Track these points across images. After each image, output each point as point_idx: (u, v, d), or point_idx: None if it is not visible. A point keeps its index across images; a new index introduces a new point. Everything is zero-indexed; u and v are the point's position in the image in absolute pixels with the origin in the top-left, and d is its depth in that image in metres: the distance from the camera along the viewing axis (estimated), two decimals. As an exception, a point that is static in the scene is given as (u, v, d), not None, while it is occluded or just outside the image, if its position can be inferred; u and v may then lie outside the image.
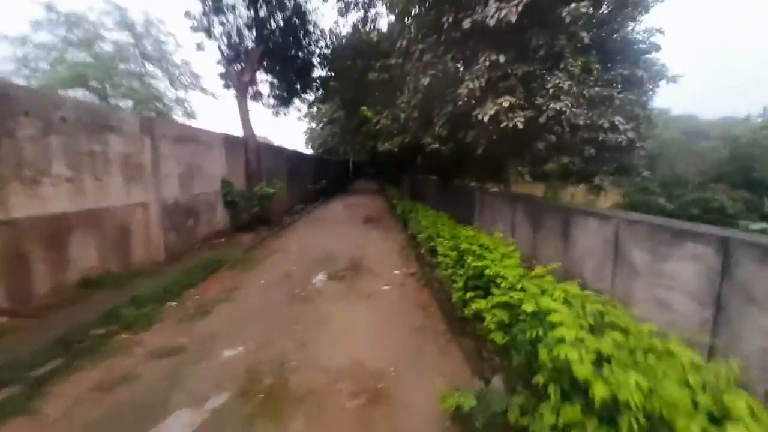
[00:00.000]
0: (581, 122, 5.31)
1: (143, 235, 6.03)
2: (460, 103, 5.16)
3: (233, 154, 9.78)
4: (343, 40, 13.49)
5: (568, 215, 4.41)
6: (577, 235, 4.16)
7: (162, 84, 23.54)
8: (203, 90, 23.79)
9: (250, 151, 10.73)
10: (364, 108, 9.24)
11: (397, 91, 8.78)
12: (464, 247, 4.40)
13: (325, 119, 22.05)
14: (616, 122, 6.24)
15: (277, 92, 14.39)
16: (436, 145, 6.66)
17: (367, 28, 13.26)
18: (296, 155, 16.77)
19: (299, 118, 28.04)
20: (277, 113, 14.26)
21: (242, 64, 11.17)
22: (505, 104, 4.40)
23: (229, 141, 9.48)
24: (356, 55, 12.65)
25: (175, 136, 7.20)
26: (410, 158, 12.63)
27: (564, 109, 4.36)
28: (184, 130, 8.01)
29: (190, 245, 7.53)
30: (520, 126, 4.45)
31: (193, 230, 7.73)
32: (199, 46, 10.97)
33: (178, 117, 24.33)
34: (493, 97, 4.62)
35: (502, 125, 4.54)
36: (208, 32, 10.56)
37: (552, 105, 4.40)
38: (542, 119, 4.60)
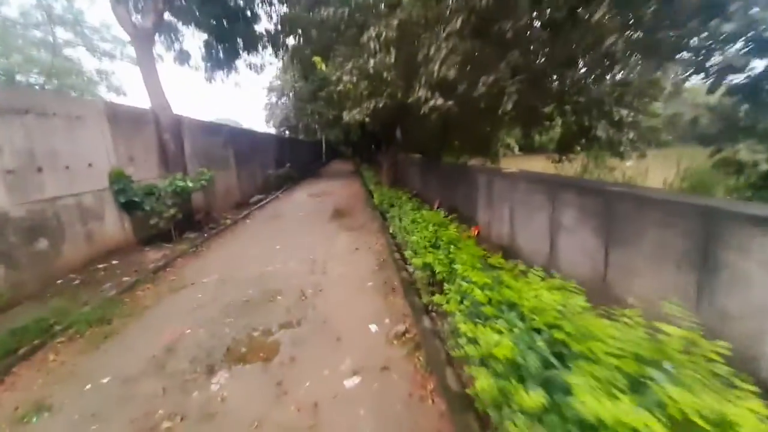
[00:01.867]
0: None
1: None
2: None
3: (131, 134, 6.75)
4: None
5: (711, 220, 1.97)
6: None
7: (78, 53, 19.22)
8: (133, 59, 19.68)
9: (164, 130, 7.69)
10: (316, 58, 6.36)
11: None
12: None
13: (287, 92, 18.62)
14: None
15: (212, 52, 11.08)
16: (437, 102, 4.04)
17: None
18: (247, 135, 13.61)
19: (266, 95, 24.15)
20: (210, 79, 11.00)
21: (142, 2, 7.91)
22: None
23: (119, 115, 6.42)
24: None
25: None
26: (387, 132, 9.89)
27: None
28: (10, 95, 4.94)
29: (45, 281, 4.69)
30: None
31: (51, 256, 4.87)
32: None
33: (103, 93, 20.18)
34: None
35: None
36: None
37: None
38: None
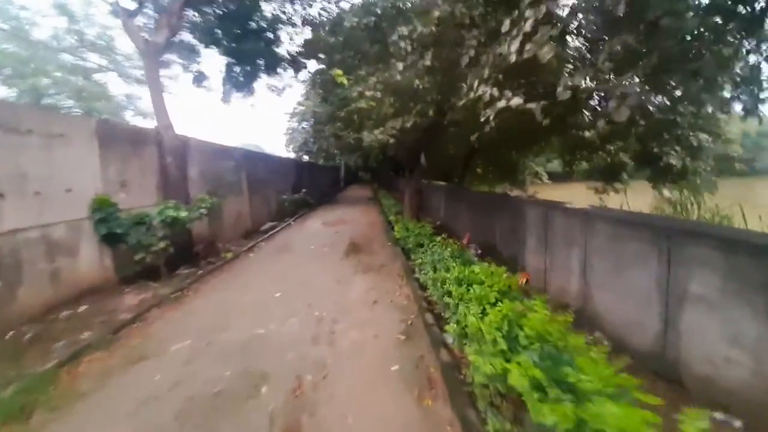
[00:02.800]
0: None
1: None
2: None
3: (126, 156, 5.99)
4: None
5: None
6: None
7: (107, 77, 19.81)
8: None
9: (167, 153, 6.96)
10: (337, 72, 5.50)
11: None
12: None
13: (307, 116, 18.31)
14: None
15: (231, 73, 10.67)
16: (510, 101, 2.92)
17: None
18: (262, 159, 12.99)
19: (288, 119, 24.10)
20: (227, 100, 10.51)
21: (157, 17, 7.47)
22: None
23: (114, 134, 5.70)
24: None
25: None
26: (411, 157, 8.88)
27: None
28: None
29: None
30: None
31: (4, 300, 3.92)
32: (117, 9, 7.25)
33: (129, 117, 20.54)
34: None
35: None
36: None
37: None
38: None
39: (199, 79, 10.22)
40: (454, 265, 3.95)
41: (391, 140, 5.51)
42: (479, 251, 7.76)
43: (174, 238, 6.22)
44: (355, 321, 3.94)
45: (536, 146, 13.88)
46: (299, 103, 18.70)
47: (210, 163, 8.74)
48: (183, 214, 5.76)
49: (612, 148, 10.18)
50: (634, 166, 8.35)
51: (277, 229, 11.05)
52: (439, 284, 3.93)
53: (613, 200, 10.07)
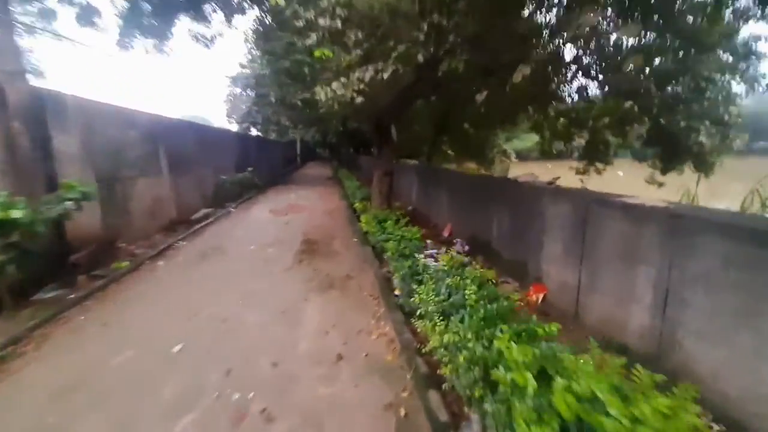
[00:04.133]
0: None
1: None
2: None
3: None
4: None
5: None
6: None
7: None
8: (57, 35, 15.62)
9: (12, 114, 4.48)
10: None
11: None
12: None
13: (251, 80, 15.29)
14: None
15: (134, 8, 7.82)
16: None
17: None
18: (190, 130, 10.31)
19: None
20: (126, 45, 7.73)
21: None
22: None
23: None
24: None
25: None
26: (381, 129, 7.03)
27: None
28: None
29: None
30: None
31: None
32: None
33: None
34: None
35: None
36: None
37: None
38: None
39: (87, 15, 7.28)
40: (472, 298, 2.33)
41: (358, 98, 3.66)
42: (466, 247, 6.30)
43: (27, 245, 3.99)
44: (305, 412, 2.23)
45: (509, 120, 12.72)
46: (242, 66, 15.63)
47: (103, 132, 6.18)
48: (17, 214, 3.48)
49: (600, 123, 9.14)
50: (642, 144, 7.31)
51: (211, 218, 8.77)
52: (431, 315, 2.34)
53: (596, 181, 9.01)
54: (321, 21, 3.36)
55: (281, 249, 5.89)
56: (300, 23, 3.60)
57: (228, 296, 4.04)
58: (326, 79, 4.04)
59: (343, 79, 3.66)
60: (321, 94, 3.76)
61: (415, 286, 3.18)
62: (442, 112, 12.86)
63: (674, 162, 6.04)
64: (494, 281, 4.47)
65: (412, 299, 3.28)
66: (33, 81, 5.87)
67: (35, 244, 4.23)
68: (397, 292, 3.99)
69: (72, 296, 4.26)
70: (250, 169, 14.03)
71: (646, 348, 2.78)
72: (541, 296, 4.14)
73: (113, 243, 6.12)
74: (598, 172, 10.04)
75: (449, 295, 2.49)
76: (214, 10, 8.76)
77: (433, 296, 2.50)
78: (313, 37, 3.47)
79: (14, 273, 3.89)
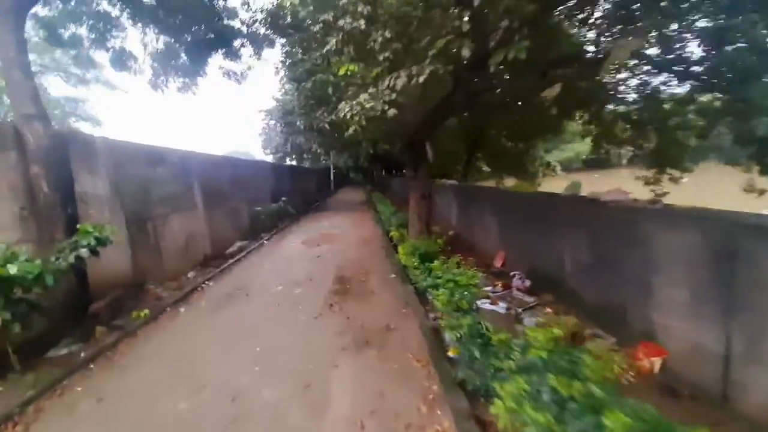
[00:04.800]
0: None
1: None
2: None
3: None
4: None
5: None
6: None
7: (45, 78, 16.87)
8: (108, 84, 17.14)
9: (32, 159, 4.37)
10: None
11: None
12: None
13: (281, 111, 15.58)
14: None
15: (168, 49, 8.02)
16: None
17: None
18: (224, 164, 10.34)
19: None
20: (159, 85, 7.85)
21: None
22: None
23: None
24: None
25: None
26: (415, 147, 6.31)
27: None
28: None
29: None
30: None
31: None
32: None
33: (74, 123, 17.63)
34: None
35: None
36: None
37: None
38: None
39: (120, 58, 7.52)
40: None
41: (389, 111, 2.97)
42: (526, 283, 5.22)
43: (36, 300, 3.66)
44: None
45: (553, 127, 11.46)
46: (275, 99, 16.07)
47: (133, 172, 6.07)
48: (12, 270, 3.10)
49: (672, 123, 7.75)
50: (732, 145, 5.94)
51: (245, 252, 8.43)
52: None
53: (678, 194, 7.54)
54: (341, 22, 2.78)
55: (310, 289, 5.21)
56: (316, 27, 3.06)
57: (244, 356, 3.35)
58: (351, 94, 3.44)
59: (371, 90, 3.01)
60: (345, 109, 3.12)
61: (478, 354, 2.28)
62: (476, 127, 11.98)
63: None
64: (581, 335, 3.42)
65: (475, 369, 2.37)
66: (90, 129, 6.03)
67: (48, 297, 3.91)
68: (451, 354, 3.06)
69: (82, 354, 3.82)
70: (284, 199, 13.93)
71: None
72: (658, 362, 2.99)
73: (142, 285, 5.82)
74: (674, 180, 8.46)
75: (561, 407, 1.54)
76: (243, 45, 8.81)
77: (529, 405, 1.56)
78: (332, 43, 2.89)
79: (19, 332, 3.52)
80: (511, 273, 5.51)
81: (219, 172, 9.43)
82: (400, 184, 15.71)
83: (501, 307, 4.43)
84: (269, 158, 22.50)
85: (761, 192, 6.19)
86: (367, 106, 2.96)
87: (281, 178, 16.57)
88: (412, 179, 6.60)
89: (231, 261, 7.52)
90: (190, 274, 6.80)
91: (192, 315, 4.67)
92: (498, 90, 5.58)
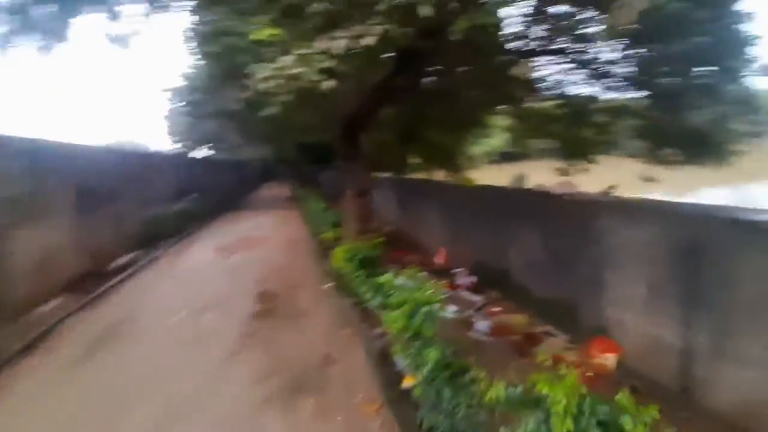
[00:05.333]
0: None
1: None
2: None
3: None
4: None
5: None
6: None
7: None
8: None
9: None
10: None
11: None
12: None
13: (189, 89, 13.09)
14: None
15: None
16: None
17: None
18: (111, 157, 8.17)
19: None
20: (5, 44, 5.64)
21: None
22: None
23: None
24: None
25: None
26: (348, 136, 5.58)
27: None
28: None
29: None
30: None
31: None
32: None
33: None
34: None
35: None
36: None
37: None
38: None
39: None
40: None
41: (325, 83, 2.19)
42: (472, 279, 4.97)
43: None
44: None
45: (478, 121, 11.89)
46: (184, 77, 13.43)
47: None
48: None
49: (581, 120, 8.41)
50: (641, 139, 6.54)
51: (135, 267, 6.69)
52: None
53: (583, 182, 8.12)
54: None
55: (224, 314, 4.11)
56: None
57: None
58: (270, 56, 2.53)
59: (302, 50, 2.18)
60: (264, 73, 2.22)
61: (448, 396, 1.72)
62: (412, 117, 11.74)
63: (700, 157, 5.19)
64: (535, 336, 3.16)
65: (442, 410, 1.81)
66: None
67: None
68: (406, 383, 2.46)
69: None
70: (194, 195, 11.87)
71: None
72: (614, 359, 2.83)
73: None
74: (583, 170, 9.27)
75: None
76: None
77: None
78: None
79: None
80: (455, 270, 5.22)
81: (100, 167, 7.35)
82: (334, 178, 14.81)
83: (450, 311, 4.04)
84: (177, 149, 19.24)
85: (652, 179, 7.07)
86: (293, 72, 2.12)
87: (190, 173, 14.18)
88: (347, 173, 5.86)
89: (114, 281, 5.83)
90: (51, 305, 5.03)
91: (45, 371, 3.23)
92: (441, 75, 5.17)
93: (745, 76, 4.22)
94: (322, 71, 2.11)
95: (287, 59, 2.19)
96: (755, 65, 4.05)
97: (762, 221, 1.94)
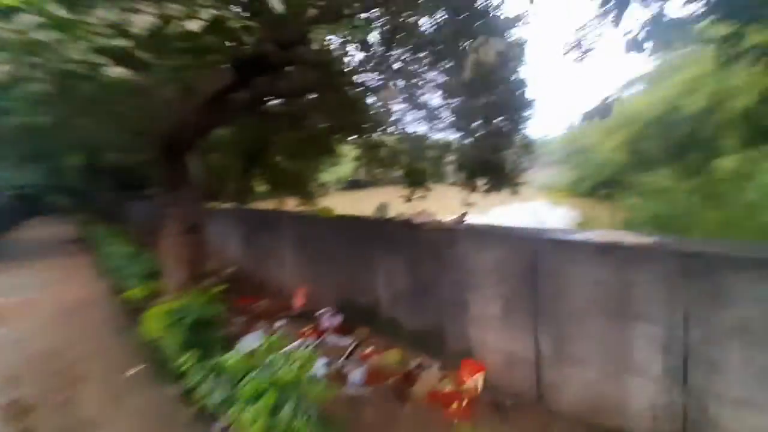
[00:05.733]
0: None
1: None
2: None
3: None
4: None
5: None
6: None
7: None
8: None
9: None
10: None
11: None
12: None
13: None
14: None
15: None
16: None
17: None
18: None
19: None
20: None
21: None
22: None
23: None
24: None
25: None
26: (171, 158, 4.32)
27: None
28: None
29: None
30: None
31: None
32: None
33: None
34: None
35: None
36: None
37: None
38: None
39: None
40: None
41: (114, 70, 1.37)
42: (337, 320, 4.55)
43: None
44: None
45: (328, 150, 12.14)
46: None
47: None
48: None
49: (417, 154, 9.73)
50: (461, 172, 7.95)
51: None
52: None
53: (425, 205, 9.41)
54: None
55: None
56: None
57: None
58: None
59: (59, 13, 1.28)
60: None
61: None
62: (253, 139, 10.66)
63: (500, 185, 6.72)
64: (411, 374, 3.02)
65: None
66: None
67: None
68: None
69: None
70: None
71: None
72: (480, 379, 2.96)
73: None
74: (422, 197, 10.68)
75: None
76: None
77: None
78: None
79: None
80: (318, 312, 4.68)
81: None
82: (148, 211, 11.59)
83: (321, 366, 3.46)
84: None
85: (470, 204, 8.81)
86: (46, 38, 1.18)
87: None
88: (170, 204, 4.49)
89: None
90: None
91: None
92: (291, 97, 4.74)
93: (525, 127, 5.89)
94: (105, 51, 1.29)
95: (33, 19, 1.25)
96: (531, 120, 5.71)
97: (578, 240, 2.38)
